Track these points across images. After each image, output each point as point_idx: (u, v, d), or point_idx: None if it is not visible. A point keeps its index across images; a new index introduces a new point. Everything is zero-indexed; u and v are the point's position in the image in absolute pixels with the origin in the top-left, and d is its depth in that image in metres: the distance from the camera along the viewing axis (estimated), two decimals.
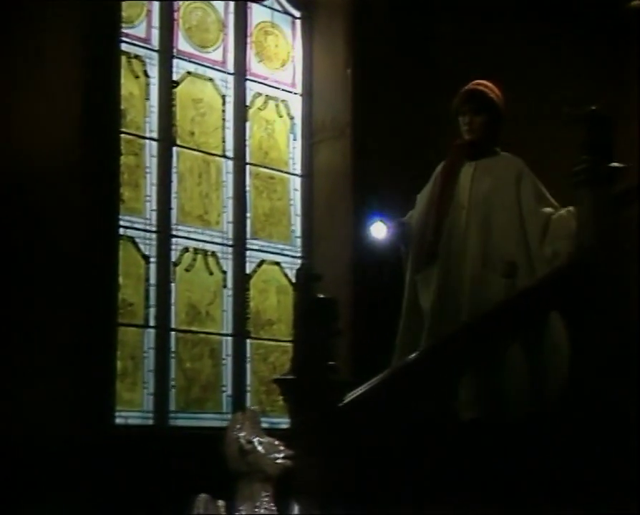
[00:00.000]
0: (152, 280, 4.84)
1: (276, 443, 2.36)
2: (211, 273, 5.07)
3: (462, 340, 3.72)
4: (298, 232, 5.41)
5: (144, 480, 4.16)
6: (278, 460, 2.36)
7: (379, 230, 4.31)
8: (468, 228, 4.27)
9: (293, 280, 5.22)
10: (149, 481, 4.17)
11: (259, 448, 2.38)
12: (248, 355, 5.12)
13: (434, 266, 4.27)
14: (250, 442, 2.39)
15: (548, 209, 4.26)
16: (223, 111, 5.27)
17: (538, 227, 4.19)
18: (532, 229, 4.22)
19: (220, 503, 2.39)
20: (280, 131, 5.47)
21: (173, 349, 4.87)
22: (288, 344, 5.03)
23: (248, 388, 5.09)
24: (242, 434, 2.40)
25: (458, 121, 4.41)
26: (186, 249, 5.02)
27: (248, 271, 5.19)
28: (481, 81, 4.43)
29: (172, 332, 4.88)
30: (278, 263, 5.32)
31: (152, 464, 4.23)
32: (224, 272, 5.12)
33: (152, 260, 4.87)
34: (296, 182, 5.45)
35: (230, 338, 5.07)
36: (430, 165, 4.51)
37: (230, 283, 5.11)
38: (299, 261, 5.31)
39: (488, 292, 4.11)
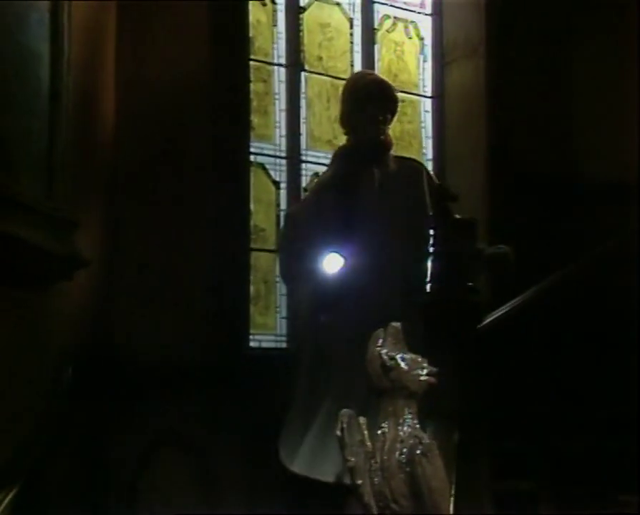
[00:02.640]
0: (283, 206, 4.85)
1: (419, 359, 2.31)
2: None
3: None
4: (430, 155, 5.31)
5: (279, 402, 4.21)
6: (422, 377, 2.30)
7: (332, 264, 3.65)
8: (382, 254, 3.62)
9: None
10: (284, 402, 4.22)
11: (402, 364, 2.33)
12: None
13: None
14: (393, 358, 2.34)
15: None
16: (351, 34, 5.21)
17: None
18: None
19: (362, 419, 2.36)
20: (410, 52, 5.37)
21: None
22: None
23: None
24: (384, 350, 2.35)
25: (358, 116, 3.81)
26: (316, 174, 4.99)
27: None
28: (374, 73, 4.03)
29: None
30: None
31: (285, 385, 4.28)
32: None
33: (283, 185, 4.88)
34: (427, 104, 5.35)
35: None
36: (568, 80, 4.28)
37: None
38: None
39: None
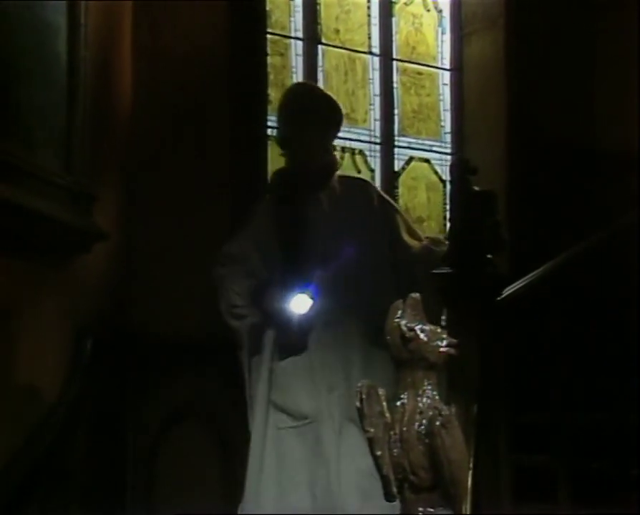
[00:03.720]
0: None
1: (439, 330, 2.29)
2: (359, 171, 5.06)
3: None
4: (448, 128, 5.31)
5: None
6: (442, 349, 2.29)
7: (301, 304, 3.24)
8: (338, 288, 3.23)
9: (443, 177, 5.21)
10: None
11: (421, 335, 2.32)
12: None
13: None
14: (412, 329, 2.32)
15: (420, 243, 3.44)
16: (368, 7, 5.19)
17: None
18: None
19: (381, 391, 2.36)
20: (428, 25, 5.35)
21: None
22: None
23: None
24: (403, 321, 2.33)
25: (302, 137, 3.36)
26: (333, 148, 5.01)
27: (396, 169, 5.15)
28: (310, 83, 3.52)
29: None
30: (427, 160, 5.25)
31: None
32: (372, 171, 5.10)
33: None
34: (445, 77, 5.33)
35: None
36: (587, 51, 4.22)
37: (378, 181, 5.07)
38: (449, 157, 5.22)
39: (380, 370, 3.04)
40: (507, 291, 3.31)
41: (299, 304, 3.15)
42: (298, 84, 3.67)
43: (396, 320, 2.38)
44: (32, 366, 3.13)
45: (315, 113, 3.37)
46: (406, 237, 3.43)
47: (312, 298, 3.16)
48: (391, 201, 3.55)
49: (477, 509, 2.94)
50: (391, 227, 3.38)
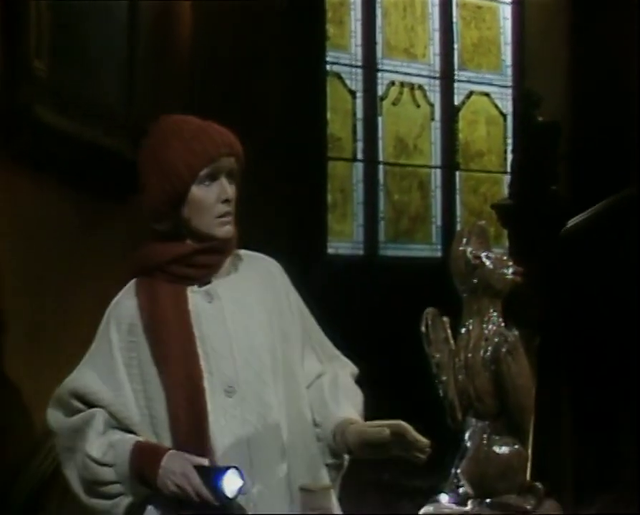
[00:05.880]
0: (359, 115, 4.88)
1: (505, 258, 2.27)
2: (418, 106, 5.05)
3: None
4: (509, 62, 5.26)
5: (357, 307, 4.25)
6: (508, 276, 2.27)
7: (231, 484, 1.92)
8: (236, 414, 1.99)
9: (504, 111, 5.16)
10: (361, 308, 4.26)
11: (487, 262, 2.28)
12: (458, 186, 5.11)
13: None
14: (478, 257, 2.29)
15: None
16: None
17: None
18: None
19: (445, 318, 2.34)
20: None
21: (382, 182, 4.92)
22: (499, 175, 5.00)
23: (458, 220, 5.10)
24: (469, 249, 2.30)
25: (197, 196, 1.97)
26: (392, 83, 5.00)
27: (456, 103, 5.13)
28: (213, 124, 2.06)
29: (381, 166, 4.93)
30: (487, 94, 5.21)
31: (363, 292, 4.31)
32: (431, 105, 5.09)
33: (359, 94, 4.90)
34: (506, 11, 5.28)
35: (438, 170, 5.07)
36: None
37: (438, 115, 5.08)
38: (509, 91, 5.18)
39: None
40: (571, 223, 3.29)
41: (225, 485, 2.03)
42: (184, 121, 2.09)
43: (462, 248, 2.35)
44: (95, 298, 3.17)
45: (220, 166, 2.09)
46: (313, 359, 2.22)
47: (241, 477, 2.01)
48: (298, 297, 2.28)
49: (538, 442, 2.95)
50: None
